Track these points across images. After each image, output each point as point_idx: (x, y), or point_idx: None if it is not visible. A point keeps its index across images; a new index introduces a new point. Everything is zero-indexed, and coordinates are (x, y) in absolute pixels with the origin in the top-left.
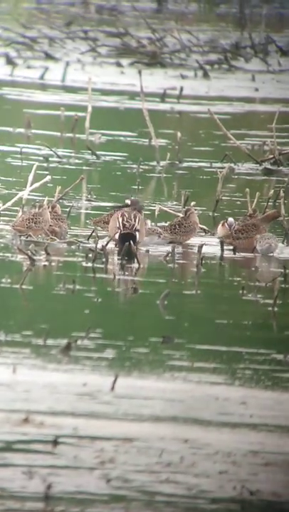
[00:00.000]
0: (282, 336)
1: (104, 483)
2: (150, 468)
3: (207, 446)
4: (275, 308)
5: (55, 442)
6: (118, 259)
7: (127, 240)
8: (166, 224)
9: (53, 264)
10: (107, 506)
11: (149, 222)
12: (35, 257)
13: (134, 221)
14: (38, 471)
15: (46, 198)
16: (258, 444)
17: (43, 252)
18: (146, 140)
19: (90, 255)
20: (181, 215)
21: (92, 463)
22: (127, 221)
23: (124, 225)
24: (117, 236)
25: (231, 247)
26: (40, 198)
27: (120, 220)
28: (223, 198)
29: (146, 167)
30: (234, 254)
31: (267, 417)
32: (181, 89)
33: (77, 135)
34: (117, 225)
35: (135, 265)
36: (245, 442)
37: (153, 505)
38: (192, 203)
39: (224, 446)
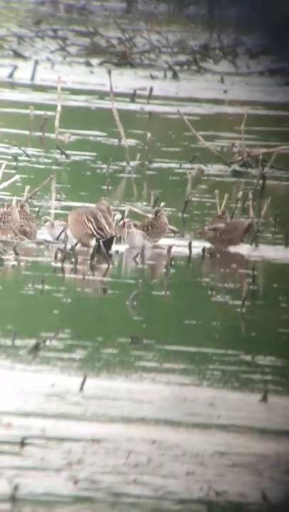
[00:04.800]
0: (251, 337)
1: (71, 484)
2: (118, 470)
3: (175, 447)
4: (244, 310)
5: (22, 443)
6: (90, 259)
7: (106, 244)
8: (137, 225)
9: (22, 263)
10: (74, 508)
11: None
12: (3, 257)
13: (104, 222)
14: (5, 472)
15: (15, 198)
16: (226, 445)
17: (12, 252)
18: (116, 140)
19: (60, 255)
20: (150, 215)
21: (59, 464)
22: (100, 227)
23: (100, 230)
24: (92, 243)
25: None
26: (9, 198)
27: (91, 226)
28: (193, 199)
29: (116, 167)
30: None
31: (234, 418)
32: (151, 89)
33: (46, 134)
34: (90, 232)
35: (105, 265)
36: (212, 443)
37: (119, 507)
38: (162, 204)
39: (192, 447)
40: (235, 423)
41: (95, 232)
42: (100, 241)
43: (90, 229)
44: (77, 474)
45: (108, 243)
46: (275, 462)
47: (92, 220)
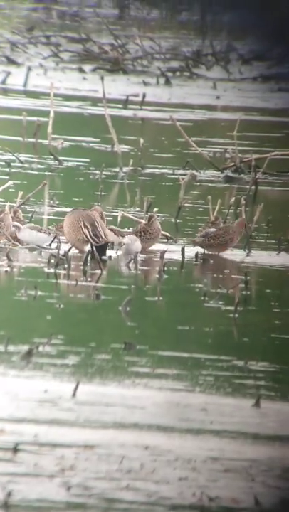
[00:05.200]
0: (243, 342)
1: (64, 490)
2: (110, 476)
3: (167, 452)
4: (236, 315)
5: (15, 449)
6: (83, 265)
7: (101, 249)
8: (130, 230)
9: (15, 269)
10: None
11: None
12: None
13: (101, 229)
14: None
15: (8, 204)
16: (218, 450)
17: (5, 258)
18: (109, 146)
19: (52, 261)
20: (143, 221)
21: (52, 470)
22: (95, 232)
23: (96, 237)
24: (86, 248)
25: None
26: (2, 204)
27: (87, 232)
28: (186, 204)
29: (109, 173)
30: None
31: (227, 423)
32: (144, 95)
33: (39, 140)
34: (85, 238)
35: (98, 271)
36: (205, 449)
37: None
38: (155, 210)
39: (184, 453)
40: (227, 428)
41: (90, 239)
42: (94, 247)
43: (86, 235)
44: (70, 480)
45: (102, 249)
46: (267, 467)
47: (89, 226)
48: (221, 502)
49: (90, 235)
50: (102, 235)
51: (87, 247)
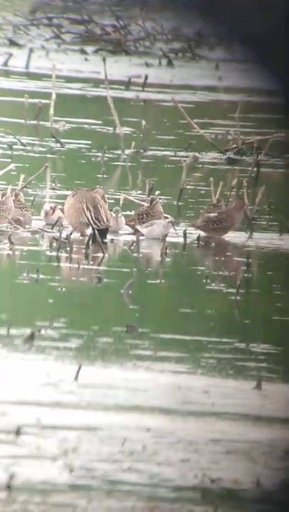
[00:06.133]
0: (245, 325)
1: (67, 472)
2: (113, 458)
3: (169, 434)
4: (238, 298)
5: (17, 432)
6: (86, 248)
7: (102, 233)
8: (132, 213)
9: (17, 253)
10: (70, 496)
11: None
12: None
13: (104, 212)
14: (1, 461)
15: (10, 187)
16: (220, 432)
17: (7, 241)
18: (111, 128)
19: (54, 244)
20: (145, 204)
21: (55, 452)
22: (97, 216)
23: (98, 220)
24: (88, 232)
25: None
26: (4, 187)
27: (89, 215)
28: (188, 187)
29: (111, 155)
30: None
31: (229, 405)
32: (146, 77)
33: (41, 122)
34: (86, 221)
35: (100, 254)
36: (207, 431)
37: (115, 494)
38: (157, 192)
39: (186, 435)
40: (229, 411)
41: (92, 222)
42: (96, 230)
43: (88, 218)
44: (72, 462)
45: (103, 232)
46: (269, 449)
47: (92, 209)
48: (222, 483)
49: (92, 218)
50: (104, 220)
51: (88, 230)
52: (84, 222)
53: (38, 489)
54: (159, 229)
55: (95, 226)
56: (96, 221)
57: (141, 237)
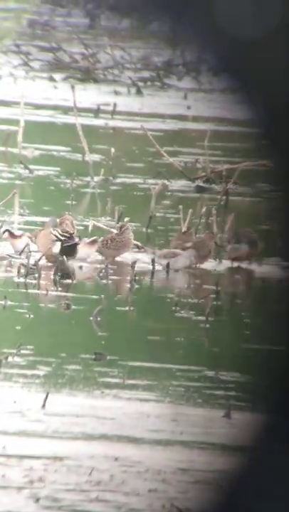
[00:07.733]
0: (214, 352)
1: (32, 502)
2: (80, 487)
3: (137, 463)
4: (207, 325)
5: None
6: (54, 274)
7: (69, 252)
8: (100, 239)
9: None
10: None
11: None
12: None
13: (71, 228)
14: None
15: None
16: (188, 461)
17: None
18: (80, 155)
19: (22, 270)
20: (114, 230)
21: (20, 482)
22: (65, 231)
23: (66, 233)
24: (56, 249)
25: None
26: None
27: (57, 232)
28: (157, 214)
29: (80, 182)
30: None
31: (197, 434)
32: (115, 105)
33: (9, 149)
34: (55, 237)
35: (68, 281)
36: (175, 460)
37: None
38: (126, 219)
39: (154, 464)
40: (197, 439)
41: (59, 235)
42: (64, 245)
43: (56, 235)
44: (38, 492)
45: (71, 250)
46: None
47: (59, 228)
48: None
49: (59, 232)
50: (72, 232)
51: (57, 248)
52: (52, 239)
53: None
54: (183, 260)
55: (63, 238)
56: (64, 233)
57: (158, 268)
